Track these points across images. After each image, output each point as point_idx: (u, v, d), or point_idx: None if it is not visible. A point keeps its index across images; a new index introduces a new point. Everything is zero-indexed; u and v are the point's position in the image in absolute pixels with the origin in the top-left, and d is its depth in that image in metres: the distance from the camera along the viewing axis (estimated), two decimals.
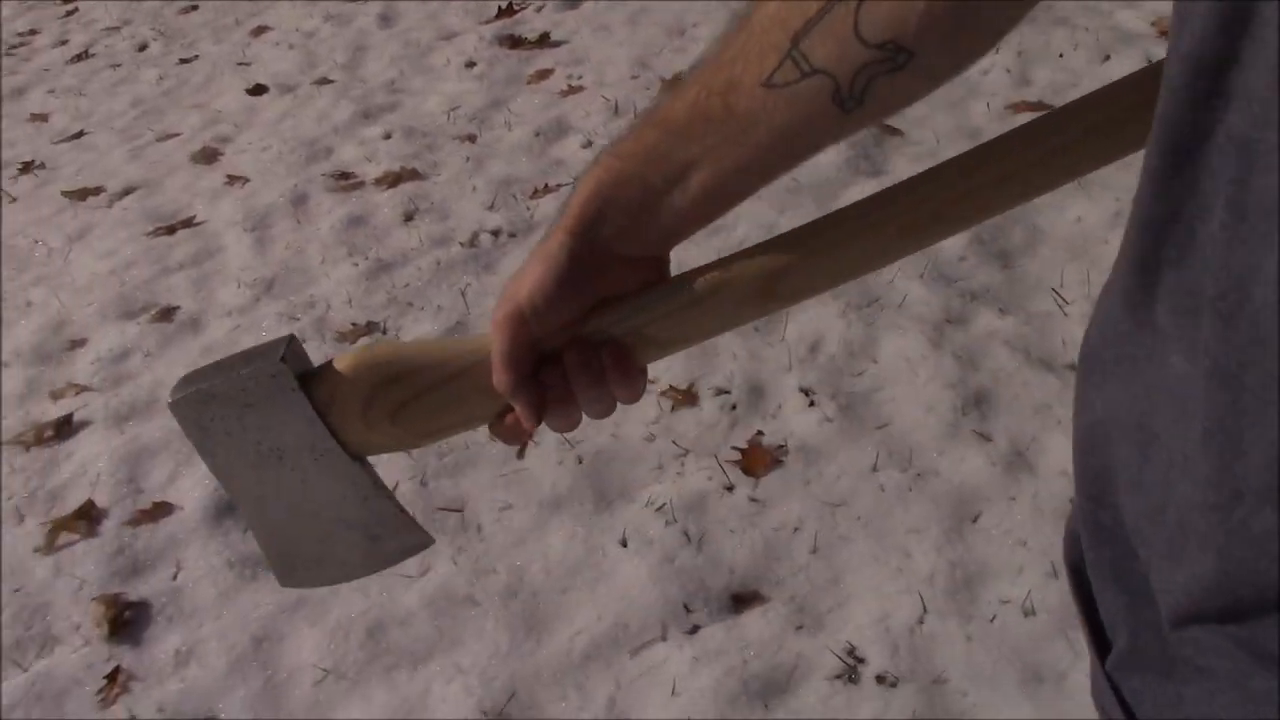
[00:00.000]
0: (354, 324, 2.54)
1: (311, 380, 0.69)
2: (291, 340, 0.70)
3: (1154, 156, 0.41)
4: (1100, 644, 0.54)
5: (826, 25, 0.55)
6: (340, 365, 0.69)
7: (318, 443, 0.70)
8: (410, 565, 1.94)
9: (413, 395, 0.69)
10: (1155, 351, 0.45)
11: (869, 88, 0.56)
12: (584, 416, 0.68)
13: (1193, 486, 0.42)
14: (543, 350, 0.66)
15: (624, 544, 1.92)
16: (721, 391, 2.17)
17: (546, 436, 2.15)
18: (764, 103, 0.58)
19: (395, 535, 0.75)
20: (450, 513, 2.03)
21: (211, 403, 0.69)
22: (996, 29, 0.57)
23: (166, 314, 2.70)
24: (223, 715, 1.76)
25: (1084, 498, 0.53)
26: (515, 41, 3.82)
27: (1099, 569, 0.52)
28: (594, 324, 0.66)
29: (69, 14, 5.07)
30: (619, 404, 0.67)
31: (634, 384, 0.66)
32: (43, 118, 4.02)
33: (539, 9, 4.08)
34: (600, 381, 0.65)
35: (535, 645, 1.79)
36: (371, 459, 0.74)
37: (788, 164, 0.61)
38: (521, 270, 0.66)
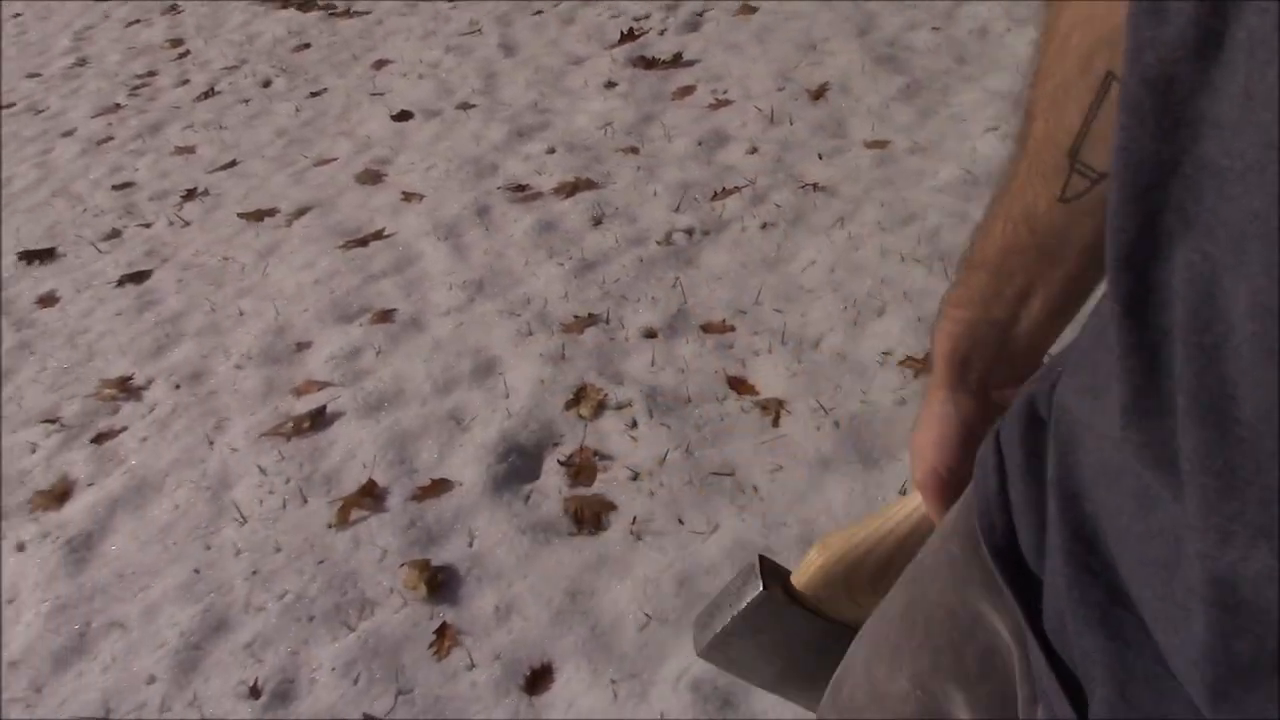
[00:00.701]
0: (575, 316, 2.69)
1: (794, 584, 0.82)
2: (761, 561, 0.83)
3: (1121, 188, 0.39)
4: (1064, 675, 0.52)
5: (1096, 133, 0.56)
6: (809, 573, 0.81)
7: (828, 633, 0.82)
8: (699, 523, 2.07)
9: (880, 567, 0.80)
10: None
11: None
12: None
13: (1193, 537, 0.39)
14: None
15: (903, 493, 2.05)
16: None
17: (798, 405, 2.29)
18: (1066, 218, 0.60)
19: None
20: (723, 476, 2.16)
21: (731, 640, 0.82)
22: None
23: (385, 316, 2.84)
24: (557, 660, 1.88)
25: (1068, 540, 0.51)
26: (649, 62, 4.00)
27: (1083, 610, 0.49)
28: None
29: (181, 56, 5.25)
30: None
31: None
32: (189, 150, 4.18)
33: (661, 32, 4.27)
34: None
35: None
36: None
37: None
38: (920, 430, 0.74)
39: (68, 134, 4.54)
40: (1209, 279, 0.35)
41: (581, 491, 2.20)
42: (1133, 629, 0.46)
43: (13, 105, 4.95)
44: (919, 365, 2.31)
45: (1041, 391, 0.58)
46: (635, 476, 2.20)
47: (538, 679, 1.87)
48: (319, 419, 2.50)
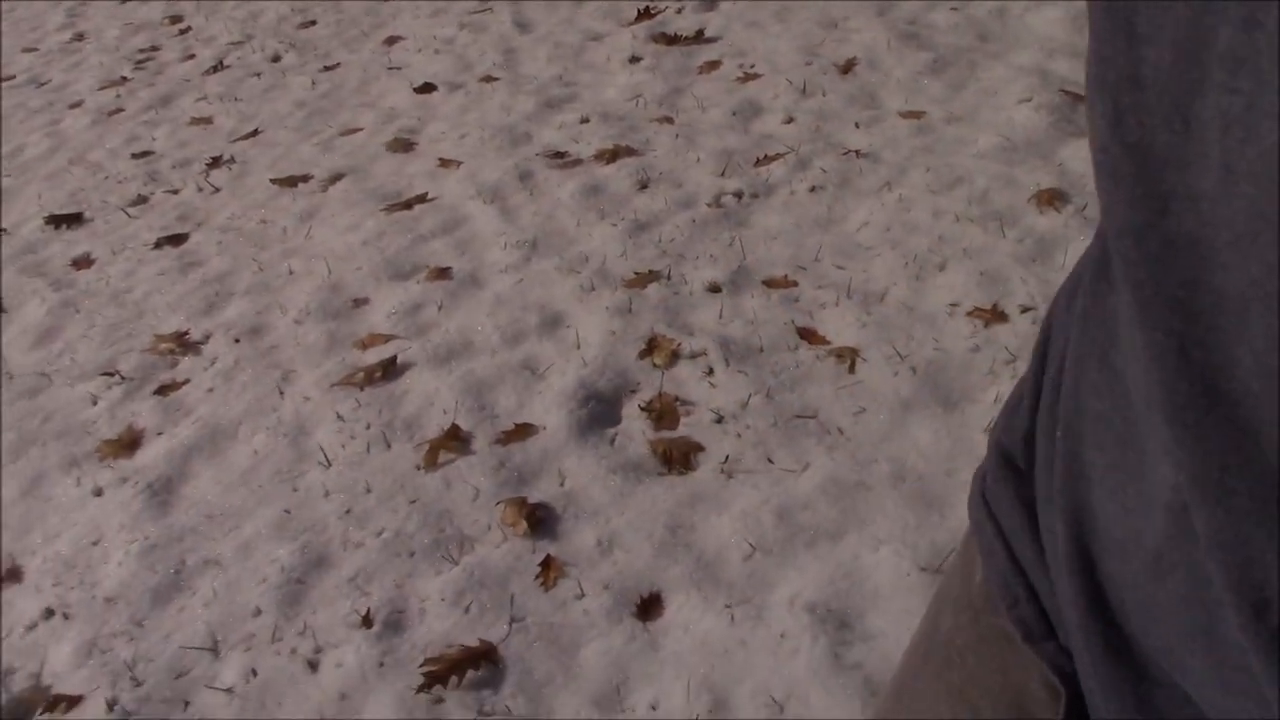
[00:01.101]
0: (636, 272, 2.73)
1: None
2: None
3: (1115, 251, 0.38)
4: None
5: None
6: None
7: None
8: (789, 461, 2.12)
9: None
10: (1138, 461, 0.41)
11: None
12: None
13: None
14: None
15: (987, 433, 2.11)
16: (1027, 309, 2.39)
17: (872, 353, 2.35)
18: None
19: None
20: (806, 419, 2.22)
21: None
22: None
23: (442, 273, 2.86)
24: (666, 589, 1.92)
25: (1086, 617, 0.48)
26: (671, 39, 4.06)
27: (1114, 691, 0.47)
28: None
29: (182, 32, 5.21)
30: None
31: None
32: (206, 120, 4.16)
33: (679, 11, 4.32)
34: None
35: (940, 520, 1.97)
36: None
37: None
38: None
39: (75, 105, 4.49)
40: (1175, 354, 0.34)
41: (666, 434, 2.24)
42: (1172, 704, 0.44)
43: (13, 78, 4.88)
44: (987, 316, 2.39)
45: (1013, 443, 0.56)
46: (719, 419, 2.24)
47: (649, 606, 1.90)
48: (390, 369, 2.52)
